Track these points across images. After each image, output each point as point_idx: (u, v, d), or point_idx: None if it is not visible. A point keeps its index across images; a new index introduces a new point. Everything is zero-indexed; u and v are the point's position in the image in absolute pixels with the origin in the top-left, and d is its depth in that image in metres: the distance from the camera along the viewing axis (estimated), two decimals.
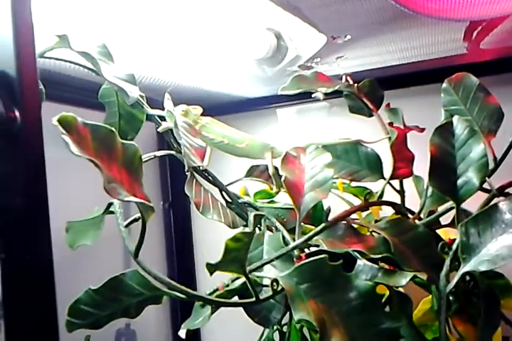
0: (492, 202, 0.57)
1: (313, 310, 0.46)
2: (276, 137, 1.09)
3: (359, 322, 0.47)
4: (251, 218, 0.48)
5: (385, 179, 0.70)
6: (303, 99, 0.99)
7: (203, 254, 1.15)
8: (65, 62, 0.61)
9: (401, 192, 0.71)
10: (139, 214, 0.46)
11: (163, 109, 0.65)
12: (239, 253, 0.45)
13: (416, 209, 0.68)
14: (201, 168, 0.65)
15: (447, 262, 0.55)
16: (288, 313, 0.62)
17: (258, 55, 0.80)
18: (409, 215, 0.69)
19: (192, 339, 1.13)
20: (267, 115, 1.13)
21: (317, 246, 0.60)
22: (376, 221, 0.78)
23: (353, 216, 0.72)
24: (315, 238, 0.57)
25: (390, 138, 0.70)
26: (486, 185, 0.61)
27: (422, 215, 0.67)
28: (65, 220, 0.67)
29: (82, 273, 0.86)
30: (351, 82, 0.77)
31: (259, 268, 0.56)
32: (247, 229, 0.61)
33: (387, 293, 0.61)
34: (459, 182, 0.58)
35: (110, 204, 0.62)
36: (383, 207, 0.79)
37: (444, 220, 0.66)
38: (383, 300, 0.61)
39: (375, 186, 0.74)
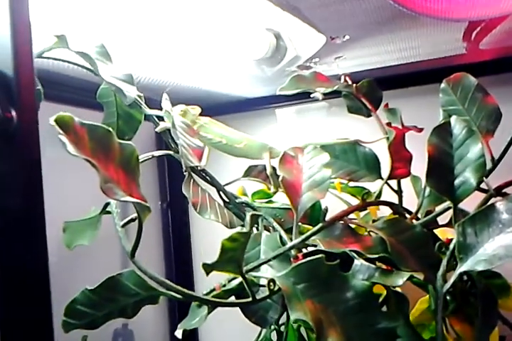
0: (489, 202, 0.58)
1: (310, 309, 0.46)
2: (275, 137, 1.09)
3: (356, 322, 0.47)
4: (248, 218, 0.48)
5: (382, 179, 0.71)
6: (302, 99, 0.99)
7: (201, 254, 1.15)
8: (63, 62, 0.61)
9: (399, 192, 0.71)
10: (135, 214, 0.46)
11: (161, 109, 0.65)
12: (235, 253, 0.45)
13: (413, 209, 0.68)
14: (199, 168, 0.65)
15: (444, 262, 0.55)
16: (285, 313, 0.62)
17: (257, 55, 0.80)
18: (407, 215, 0.69)
19: (189, 339, 1.14)
20: (266, 115, 1.13)
21: (315, 246, 0.60)
22: (374, 221, 0.77)
23: (351, 216, 0.72)
24: (312, 238, 0.57)
25: (388, 138, 0.70)
26: (483, 185, 0.61)
27: (419, 215, 0.67)
28: (62, 220, 0.68)
29: (79, 273, 0.86)
30: (350, 82, 0.77)
31: (256, 268, 0.56)
32: (244, 229, 0.61)
33: (385, 292, 0.61)
34: (457, 182, 0.58)
35: (107, 204, 0.62)
36: (381, 207, 0.79)
37: (442, 220, 0.66)
38: (380, 299, 0.61)
39: (373, 186, 0.74)
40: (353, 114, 0.78)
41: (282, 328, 0.75)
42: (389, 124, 0.72)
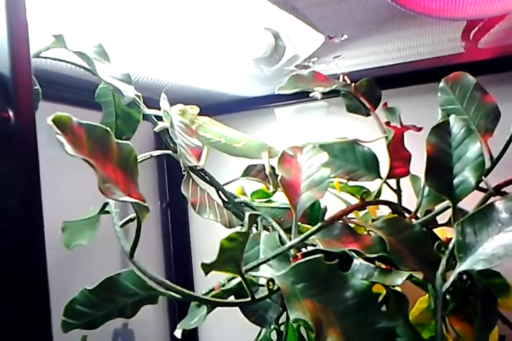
0: (488, 201, 0.58)
1: (309, 309, 0.46)
2: (274, 136, 1.09)
3: (355, 322, 0.47)
4: (246, 218, 0.48)
5: (381, 178, 0.70)
6: (301, 98, 0.99)
7: (201, 255, 1.15)
8: (61, 62, 0.61)
9: (398, 191, 0.71)
10: (134, 214, 0.46)
11: (160, 108, 0.65)
12: (234, 253, 0.45)
13: (413, 209, 0.68)
14: (198, 167, 0.65)
15: (443, 261, 0.55)
16: (285, 313, 0.62)
17: (256, 54, 0.80)
18: (406, 214, 0.69)
19: (189, 338, 1.14)
20: (265, 114, 1.13)
21: (314, 245, 0.60)
22: (373, 220, 0.78)
23: (351, 215, 0.72)
24: (311, 237, 0.57)
25: (387, 137, 0.70)
26: (482, 184, 0.61)
27: (418, 214, 0.67)
28: (61, 220, 0.67)
29: (79, 273, 0.86)
30: (348, 82, 0.77)
31: (256, 267, 0.56)
32: (243, 229, 0.61)
33: (384, 292, 0.61)
34: (456, 181, 0.58)
35: (106, 204, 0.62)
36: (380, 206, 0.79)
37: (441, 219, 0.66)
38: (380, 299, 0.61)
39: (373, 185, 0.74)
40: (352, 113, 0.78)
41: (282, 328, 0.75)
42: (388, 123, 0.72)
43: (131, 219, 0.59)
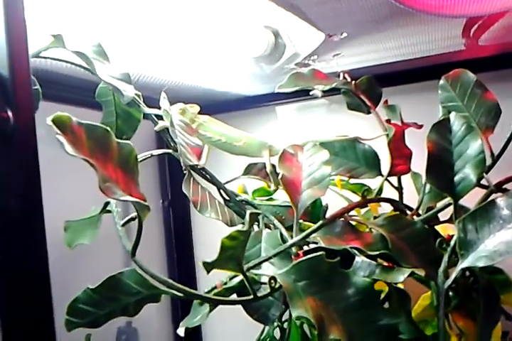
0: (490, 198, 0.57)
1: (312, 307, 0.46)
2: (275, 135, 1.09)
3: (357, 319, 0.47)
4: (247, 216, 0.48)
5: (383, 176, 0.70)
6: (301, 96, 0.99)
7: (203, 254, 1.15)
8: (61, 62, 0.61)
9: (399, 188, 0.71)
10: (136, 213, 0.46)
11: (160, 107, 0.65)
12: (235, 251, 0.45)
13: (414, 206, 0.68)
14: (199, 166, 0.65)
15: (445, 258, 0.55)
16: (288, 310, 0.62)
17: (256, 52, 0.80)
18: (408, 212, 0.69)
19: (193, 336, 1.14)
20: (266, 113, 1.13)
21: (316, 243, 0.60)
22: (375, 218, 0.77)
23: (352, 213, 0.72)
24: (313, 235, 0.57)
25: (387, 134, 0.70)
26: (483, 181, 0.61)
27: (420, 211, 0.67)
28: (63, 219, 0.68)
29: (82, 273, 0.86)
30: (349, 79, 0.77)
31: (257, 265, 0.56)
32: (244, 227, 0.62)
33: (387, 289, 0.61)
34: (456, 178, 0.58)
35: (107, 204, 0.62)
36: (382, 203, 0.79)
37: (443, 216, 0.66)
38: (382, 296, 0.61)
39: (374, 183, 0.74)
40: (352, 110, 0.78)
41: (285, 325, 0.75)
42: (388, 121, 0.72)
43: (133, 218, 0.59)
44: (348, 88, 0.75)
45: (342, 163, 0.72)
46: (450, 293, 0.62)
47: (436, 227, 0.68)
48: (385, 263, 0.57)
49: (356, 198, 0.77)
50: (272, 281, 0.51)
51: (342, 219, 0.61)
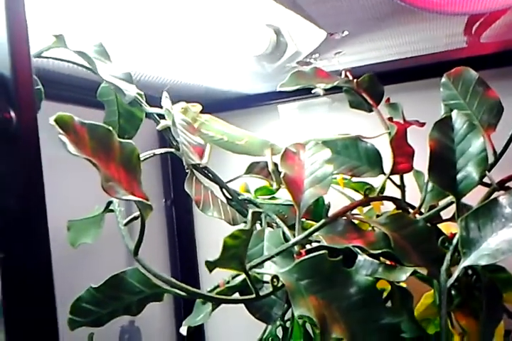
0: (492, 196, 0.57)
1: (314, 305, 0.46)
2: (277, 133, 1.09)
3: (359, 318, 0.47)
4: (249, 215, 0.48)
5: (385, 174, 0.70)
6: (303, 94, 0.99)
7: (206, 252, 1.16)
8: (63, 62, 0.61)
9: (401, 187, 0.71)
10: (138, 213, 0.47)
11: (162, 106, 0.65)
12: (238, 250, 0.45)
13: (417, 204, 0.68)
14: (201, 165, 0.65)
15: (448, 257, 0.55)
16: (291, 309, 0.62)
17: (258, 51, 0.80)
18: (410, 210, 0.69)
19: (195, 335, 1.14)
20: (267, 111, 1.13)
21: (318, 241, 0.60)
22: (377, 216, 0.77)
23: (355, 211, 0.72)
24: (315, 234, 0.57)
25: (389, 133, 0.69)
26: (486, 179, 0.61)
27: (422, 210, 0.67)
28: (66, 219, 0.68)
29: (85, 272, 0.86)
30: (350, 78, 0.77)
31: (260, 264, 0.56)
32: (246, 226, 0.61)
33: (389, 288, 0.61)
34: (459, 176, 0.58)
35: (110, 203, 0.62)
36: (385, 202, 0.79)
37: (446, 214, 0.66)
38: (385, 295, 0.61)
39: (377, 181, 0.74)
40: (354, 109, 0.77)
41: (288, 324, 0.75)
42: (390, 119, 0.72)
43: (135, 218, 0.59)
44: (350, 86, 0.75)
45: (344, 162, 0.72)
46: (452, 292, 0.62)
47: (439, 225, 0.68)
48: (388, 262, 0.57)
49: (358, 197, 0.77)
50: (275, 280, 0.51)
51: (344, 217, 0.61)
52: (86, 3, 0.61)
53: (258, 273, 0.57)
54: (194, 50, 0.80)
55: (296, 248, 0.58)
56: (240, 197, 0.70)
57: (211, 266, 0.46)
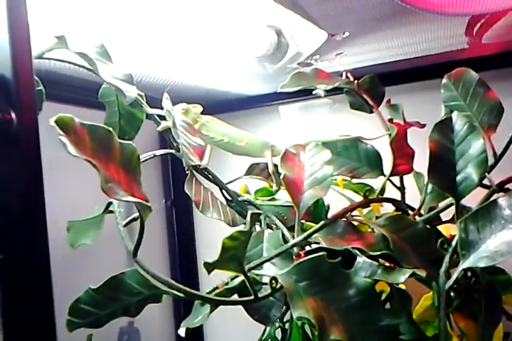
0: (492, 198, 0.57)
1: (313, 307, 0.46)
2: (278, 134, 1.09)
3: (358, 320, 0.47)
4: (248, 217, 0.48)
5: (385, 175, 0.70)
6: (304, 96, 0.99)
7: (206, 254, 1.16)
8: (64, 63, 0.62)
9: (401, 188, 0.71)
10: (138, 214, 0.47)
11: (163, 108, 0.65)
12: (236, 252, 0.45)
13: (417, 206, 0.68)
14: (201, 166, 0.65)
15: (447, 258, 0.55)
16: (289, 311, 0.62)
17: (259, 52, 0.80)
18: (410, 212, 0.69)
19: (194, 336, 1.14)
20: (268, 112, 1.13)
21: (317, 243, 0.60)
22: (377, 218, 0.77)
23: (354, 213, 0.72)
24: (314, 235, 0.57)
25: (390, 134, 0.69)
26: (485, 181, 0.60)
27: (422, 211, 0.67)
28: (65, 220, 0.68)
29: (85, 273, 0.86)
30: (351, 79, 0.77)
31: (259, 266, 0.56)
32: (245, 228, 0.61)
33: (388, 289, 0.61)
34: (459, 178, 0.58)
35: (110, 204, 0.62)
36: (385, 203, 0.79)
37: (446, 216, 0.66)
38: (384, 297, 0.61)
39: (376, 183, 0.74)
40: (355, 110, 0.77)
41: (287, 326, 0.75)
42: (391, 120, 0.72)
43: (135, 219, 0.59)
44: (351, 87, 0.75)
45: (344, 163, 0.72)
46: (451, 294, 0.62)
47: (439, 227, 0.68)
48: (387, 264, 0.57)
49: (358, 198, 0.77)
50: (273, 282, 0.51)
51: (344, 219, 0.61)
52: (87, 5, 0.61)
53: (257, 275, 0.57)
54: (195, 51, 0.80)
55: (295, 249, 0.58)
56: (239, 199, 0.70)
57: (210, 267, 0.46)
